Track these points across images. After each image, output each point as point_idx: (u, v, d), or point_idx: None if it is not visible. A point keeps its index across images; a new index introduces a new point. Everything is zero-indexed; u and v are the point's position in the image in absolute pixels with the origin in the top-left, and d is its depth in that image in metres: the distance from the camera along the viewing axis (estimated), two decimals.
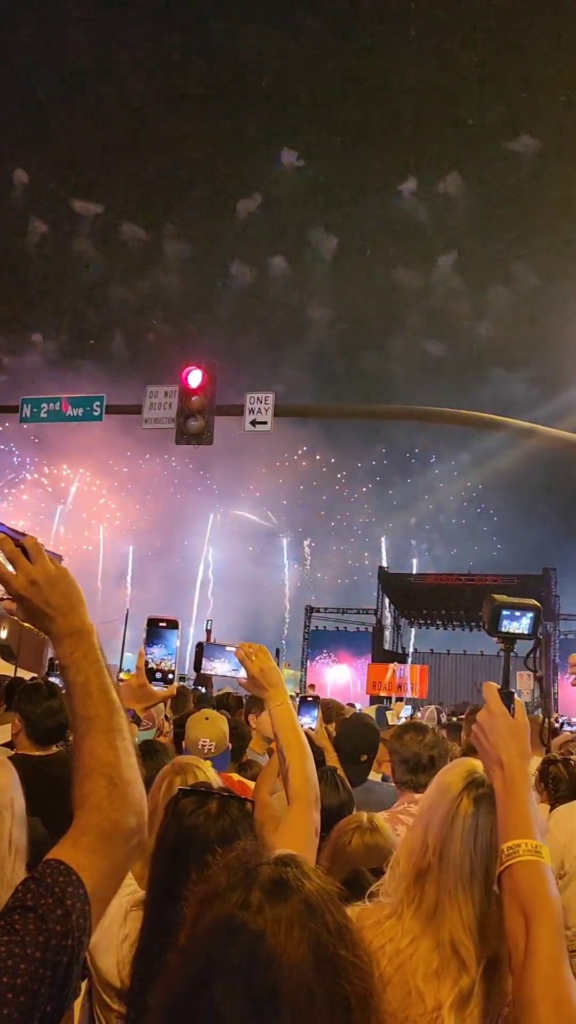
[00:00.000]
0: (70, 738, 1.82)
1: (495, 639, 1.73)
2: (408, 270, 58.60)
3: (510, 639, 1.73)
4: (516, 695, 1.68)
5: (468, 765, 1.70)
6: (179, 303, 60.11)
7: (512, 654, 1.78)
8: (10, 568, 1.38)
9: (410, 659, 35.00)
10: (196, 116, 58.92)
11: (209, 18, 58.41)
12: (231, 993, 0.96)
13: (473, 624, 40.03)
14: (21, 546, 1.38)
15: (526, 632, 1.72)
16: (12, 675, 11.38)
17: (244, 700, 6.85)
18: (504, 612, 1.72)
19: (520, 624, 1.72)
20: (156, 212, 60.55)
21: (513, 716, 1.63)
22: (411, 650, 40.11)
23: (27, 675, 9.65)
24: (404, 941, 1.57)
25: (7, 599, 1.41)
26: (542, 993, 1.30)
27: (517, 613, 1.72)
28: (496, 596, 1.72)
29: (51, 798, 2.09)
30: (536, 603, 1.74)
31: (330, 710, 6.12)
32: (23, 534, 1.43)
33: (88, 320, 60.73)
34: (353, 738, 4.41)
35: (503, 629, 1.71)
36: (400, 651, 38.72)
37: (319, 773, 2.36)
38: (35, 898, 1.11)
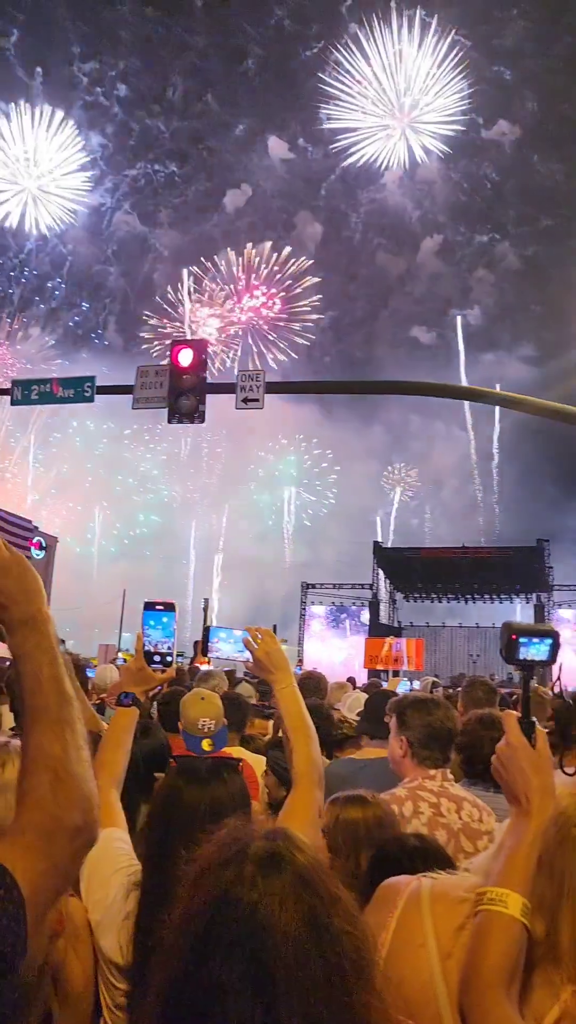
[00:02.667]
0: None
1: (512, 667, 1.68)
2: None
3: (528, 666, 1.69)
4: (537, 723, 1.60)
5: None
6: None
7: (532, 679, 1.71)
8: None
9: (405, 633, 35.11)
10: None
11: None
12: (228, 967, 0.98)
13: (468, 596, 40.24)
14: None
15: (545, 659, 1.66)
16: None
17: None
18: (521, 639, 1.67)
19: (539, 650, 1.67)
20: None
21: (535, 747, 1.56)
22: (407, 623, 40.28)
23: None
24: None
25: None
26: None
27: (535, 639, 1.67)
28: (512, 623, 1.68)
29: None
30: (553, 629, 1.70)
31: (313, 683, 6.10)
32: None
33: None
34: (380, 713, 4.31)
35: (521, 657, 1.66)
36: (396, 625, 38.88)
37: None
38: None
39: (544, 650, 1.67)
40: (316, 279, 58.62)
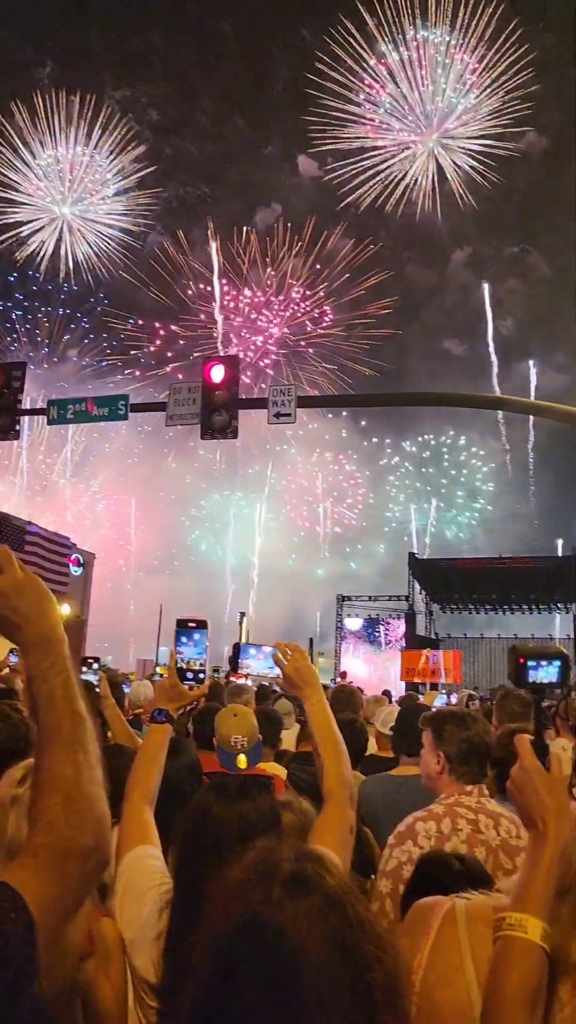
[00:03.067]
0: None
1: (524, 691, 1.68)
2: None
3: (539, 689, 1.67)
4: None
5: None
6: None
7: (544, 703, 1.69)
8: None
9: (443, 645, 34.80)
10: None
11: None
12: (254, 990, 0.96)
13: (506, 607, 39.76)
14: None
15: (555, 680, 1.65)
16: None
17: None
18: (529, 663, 1.65)
19: (548, 672, 1.65)
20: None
21: (548, 770, 1.53)
22: (444, 635, 39.93)
23: None
24: None
25: None
26: None
27: (543, 662, 1.65)
28: (518, 647, 1.64)
29: None
30: (562, 650, 1.68)
31: (346, 696, 6.06)
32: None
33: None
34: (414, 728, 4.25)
35: (530, 680, 1.64)
36: (434, 637, 38.55)
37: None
38: None
39: (553, 672, 1.65)
40: (349, 295, 58.82)
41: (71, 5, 58.55)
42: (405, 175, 58.00)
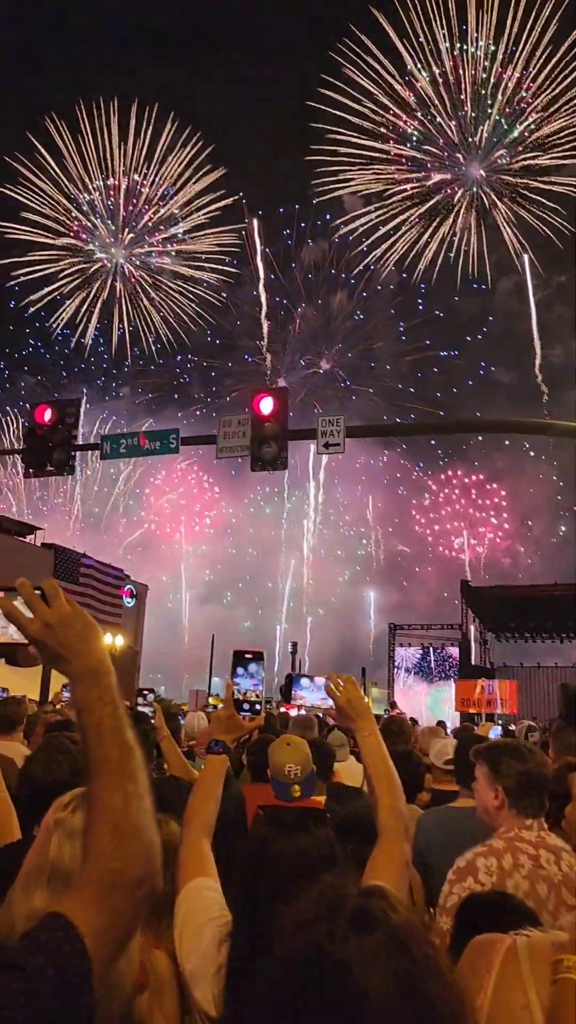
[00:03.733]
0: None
1: None
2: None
3: None
4: None
5: None
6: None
7: None
8: (28, 613, 1.37)
9: (498, 674, 34.18)
10: None
11: None
12: None
13: (564, 635, 38.86)
14: (39, 588, 1.39)
15: None
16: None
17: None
18: None
19: None
20: None
21: None
22: (500, 664, 39.21)
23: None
24: None
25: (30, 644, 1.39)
26: None
27: None
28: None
29: None
30: None
31: (396, 727, 6.00)
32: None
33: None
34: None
35: None
36: (488, 666, 37.86)
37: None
38: (24, 956, 1.04)
39: None
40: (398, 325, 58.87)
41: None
42: (450, 205, 57.35)
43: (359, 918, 1.04)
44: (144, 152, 55.02)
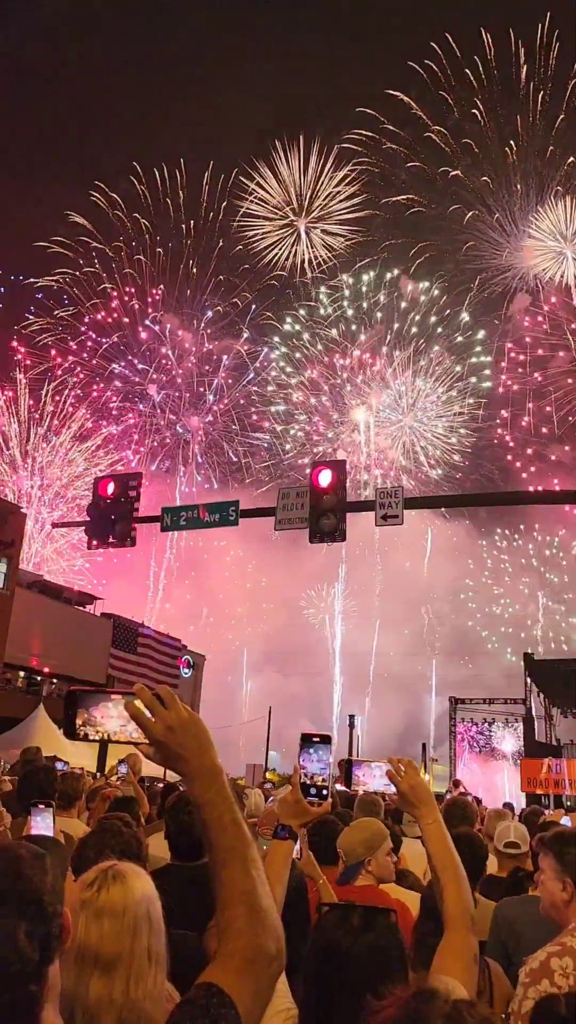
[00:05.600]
0: None
1: None
2: None
3: None
4: None
5: None
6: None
7: None
8: (148, 715, 1.50)
9: (565, 752, 32.76)
10: None
11: None
12: None
13: None
14: (156, 694, 1.52)
15: None
16: (164, 778, 11.58)
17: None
18: None
19: None
20: None
21: None
22: (567, 741, 37.63)
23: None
24: None
25: (144, 743, 1.54)
26: None
27: None
28: None
29: (201, 909, 2.11)
30: None
31: (460, 811, 5.77)
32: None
33: None
34: None
35: None
36: (555, 744, 36.39)
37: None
38: (191, 1020, 1.17)
39: None
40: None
41: None
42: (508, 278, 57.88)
43: None
44: None
